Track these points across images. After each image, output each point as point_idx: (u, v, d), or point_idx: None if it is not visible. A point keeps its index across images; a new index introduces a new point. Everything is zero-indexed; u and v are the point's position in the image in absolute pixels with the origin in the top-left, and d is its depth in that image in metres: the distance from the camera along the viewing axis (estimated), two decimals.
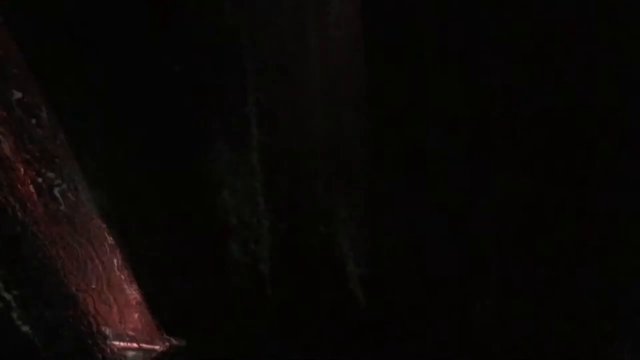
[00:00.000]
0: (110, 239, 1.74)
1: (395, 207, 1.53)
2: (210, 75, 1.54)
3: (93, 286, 1.73)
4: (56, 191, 1.60)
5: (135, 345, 1.85)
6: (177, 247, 1.81)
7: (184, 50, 1.49)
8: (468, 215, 1.44)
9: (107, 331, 1.78)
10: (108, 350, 1.77)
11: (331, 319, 1.67)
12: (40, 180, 1.56)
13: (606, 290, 1.37)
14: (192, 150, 1.65)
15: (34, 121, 1.52)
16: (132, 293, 1.84)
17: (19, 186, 1.51)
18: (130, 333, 1.85)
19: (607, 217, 1.31)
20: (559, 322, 1.45)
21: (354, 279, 1.68)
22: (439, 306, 1.52)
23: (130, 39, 1.46)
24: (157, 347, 1.87)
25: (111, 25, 1.44)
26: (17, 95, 1.48)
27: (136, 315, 1.86)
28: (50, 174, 1.58)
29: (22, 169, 1.53)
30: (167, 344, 1.89)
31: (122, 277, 1.80)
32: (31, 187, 1.55)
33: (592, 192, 1.31)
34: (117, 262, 1.79)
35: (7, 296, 1.52)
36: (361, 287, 1.65)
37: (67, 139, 1.59)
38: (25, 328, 1.59)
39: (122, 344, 1.82)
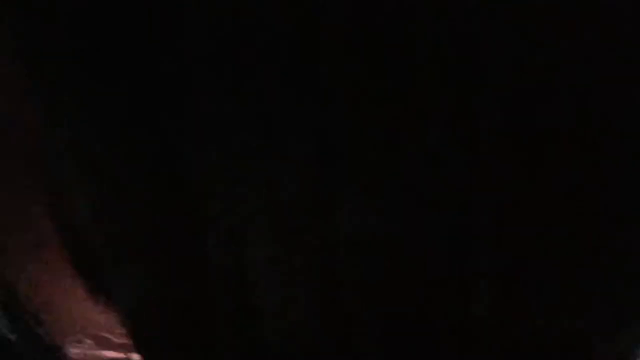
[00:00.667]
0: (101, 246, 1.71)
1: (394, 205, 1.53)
2: None
3: (81, 298, 1.70)
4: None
5: (122, 355, 1.81)
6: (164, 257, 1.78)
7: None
8: (467, 214, 1.45)
9: (93, 342, 1.75)
10: None
11: (330, 320, 1.66)
12: None
13: (606, 291, 1.39)
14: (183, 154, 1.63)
15: (22, 122, 1.49)
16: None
17: None
18: (113, 340, 1.81)
19: (608, 217, 1.33)
20: (559, 322, 1.46)
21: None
22: (439, 306, 1.52)
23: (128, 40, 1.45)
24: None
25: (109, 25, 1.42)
26: (7, 97, 1.45)
27: (121, 326, 1.83)
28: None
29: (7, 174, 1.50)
30: (150, 355, 1.86)
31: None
32: None
33: (592, 191, 1.32)
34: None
35: None
36: (360, 288, 1.65)
37: (57, 140, 1.56)
38: (11, 338, 1.56)
39: (110, 355, 1.78)
